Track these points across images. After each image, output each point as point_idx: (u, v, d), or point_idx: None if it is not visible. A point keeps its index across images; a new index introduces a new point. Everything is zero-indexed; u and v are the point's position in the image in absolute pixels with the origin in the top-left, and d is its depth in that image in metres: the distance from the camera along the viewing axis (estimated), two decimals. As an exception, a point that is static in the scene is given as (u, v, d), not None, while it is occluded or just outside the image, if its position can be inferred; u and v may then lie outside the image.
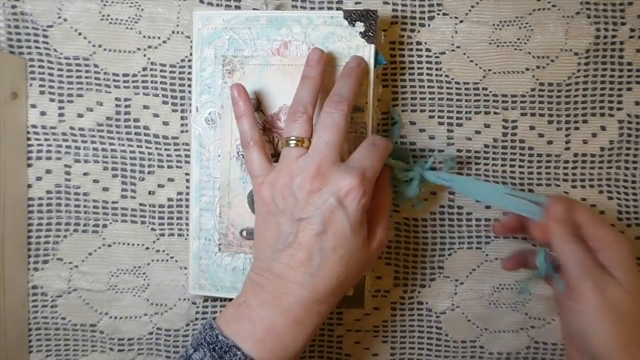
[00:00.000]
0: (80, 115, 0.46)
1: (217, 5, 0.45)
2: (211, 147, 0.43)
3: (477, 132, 0.46)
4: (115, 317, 0.48)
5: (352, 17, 0.40)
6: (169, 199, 0.47)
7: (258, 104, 0.42)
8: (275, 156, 0.41)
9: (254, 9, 0.45)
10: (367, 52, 0.40)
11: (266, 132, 0.42)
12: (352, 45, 0.40)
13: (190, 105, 0.46)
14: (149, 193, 0.47)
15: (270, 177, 0.37)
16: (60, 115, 0.46)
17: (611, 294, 0.36)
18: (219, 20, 0.42)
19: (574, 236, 0.38)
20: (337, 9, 0.45)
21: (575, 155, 0.45)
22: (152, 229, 0.47)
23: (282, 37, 0.41)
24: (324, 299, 0.36)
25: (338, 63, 0.41)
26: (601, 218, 0.41)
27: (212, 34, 0.42)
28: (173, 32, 0.45)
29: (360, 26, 0.40)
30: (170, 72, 0.46)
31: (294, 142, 0.37)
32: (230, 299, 0.38)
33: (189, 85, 0.46)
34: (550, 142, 0.45)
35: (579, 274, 0.36)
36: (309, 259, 0.35)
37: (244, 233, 0.43)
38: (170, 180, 0.47)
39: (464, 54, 0.45)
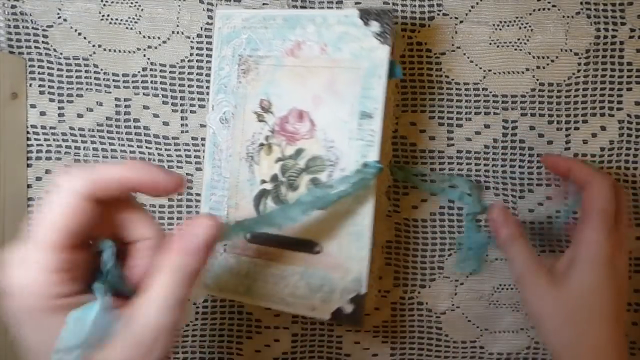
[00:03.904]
0: (80, 116, 0.46)
1: (217, 4, 0.45)
2: (224, 146, 0.43)
3: (477, 133, 0.46)
4: (115, 318, 0.48)
5: (367, 16, 0.38)
6: (170, 199, 0.47)
7: (269, 106, 0.41)
8: (283, 159, 0.41)
9: (253, 8, 0.45)
10: (381, 53, 0.38)
11: (275, 134, 0.41)
12: (366, 47, 0.38)
13: (190, 105, 0.46)
14: (149, 193, 0.47)
15: None
16: (60, 115, 0.46)
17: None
18: (238, 19, 0.41)
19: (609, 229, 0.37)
20: (337, 7, 0.45)
21: (576, 155, 0.45)
22: (152, 229, 0.47)
23: (296, 37, 0.40)
24: None
25: (351, 65, 0.39)
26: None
27: (231, 33, 0.42)
28: (173, 32, 0.45)
29: (375, 26, 0.38)
30: (170, 72, 0.46)
31: None
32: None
33: (189, 86, 0.46)
34: (550, 142, 0.45)
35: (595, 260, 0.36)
36: None
37: (248, 236, 0.42)
38: (170, 180, 0.47)
39: (464, 54, 0.45)
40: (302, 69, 0.40)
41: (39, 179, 0.46)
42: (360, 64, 0.39)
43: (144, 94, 0.46)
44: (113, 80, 0.46)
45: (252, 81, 0.41)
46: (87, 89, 0.46)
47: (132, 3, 0.45)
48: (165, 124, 0.46)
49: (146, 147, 0.46)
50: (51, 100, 0.46)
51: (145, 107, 0.46)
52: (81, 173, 0.24)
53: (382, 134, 0.38)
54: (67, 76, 0.46)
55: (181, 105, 0.46)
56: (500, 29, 0.45)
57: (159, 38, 0.45)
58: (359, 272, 0.40)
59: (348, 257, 0.40)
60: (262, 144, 0.41)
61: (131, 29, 0.45)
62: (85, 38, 0.45)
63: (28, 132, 0.46)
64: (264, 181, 0.41)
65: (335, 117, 0.39)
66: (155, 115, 0.46)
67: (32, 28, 0.45)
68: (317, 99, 0.40)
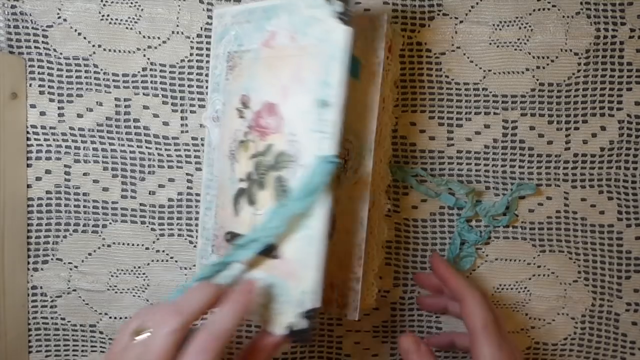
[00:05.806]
0: (80, 116, 0.46)
1: (216, 4, 0.45)
2: (215, 145, 0.42)
3: (477, 133, 0.46)
4: (115, 318, 0.48)
5: None
6: (170, 199, 0.47)
7: (248, 101, 0.39)
8: (256, 155, 0.38)
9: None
10: (340, 34, 0.33)
11: (251, 130, 0.38)
12: (329, 28, 0.33)
13: (190, 105, 0.46)
14: (149, 193, 0.47)
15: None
16: (60, 115, 0.46)
17: None
18: (228, 17, 0.40)
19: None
20: None
21: (575, 155, 0.46)
22: (152, 229, 0.47)
23: (272, 27, 0.37)
24: None
25: (316, 50, 0.34)
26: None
27: (223, 30, 0.41)
28: (173, 32, 0.45)
29: (338, 5, 0.33)
30: (170, 72, 0.46)
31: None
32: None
33: (189, 86, 0.46)
34: (550, 142, 0.45)
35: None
36: None
37: (228, 237, 0.40)
38: (171, 180, 0.47)
39: (464, 54, 0.45)
40: (275, 59, 0.37)
41: (38, 179, 0.46)
42: (323, 48, 0.34)
43: (144, 94, 0.46)
44: (113, 80, 0.46)
45: (237, 77, 0.40)
46: (87, 89, 0.46)
47: (132, 3, 0.45)
48: (165, 124, 0.46)
49: (146, 147, 0.46)
50: (51, 100, 0.46)
51: (145, 107, 0.46)
52: (176, 319, 0.32)
53: (341, 125, 0.33)
54: (67, 76, 0.46)
55: (181, 105, 0.46)
56: (500, 29, 0.45)
57: (158, 38, 0.45)
58: (313, 282, 0.34)
59: (302, 264, 0.34)
60: (242, 141, 0.39)
61: (131, 29, 0.45)
62: (85, 38, 0.45)
63: (28, 132, 0.46)
64: (241, 179, 0.39)
65: (298, 107, 0.35)
66: (155, 115, 0.46)
67: (32, 28, 0.45)
68: (285, 90, 0.36)
